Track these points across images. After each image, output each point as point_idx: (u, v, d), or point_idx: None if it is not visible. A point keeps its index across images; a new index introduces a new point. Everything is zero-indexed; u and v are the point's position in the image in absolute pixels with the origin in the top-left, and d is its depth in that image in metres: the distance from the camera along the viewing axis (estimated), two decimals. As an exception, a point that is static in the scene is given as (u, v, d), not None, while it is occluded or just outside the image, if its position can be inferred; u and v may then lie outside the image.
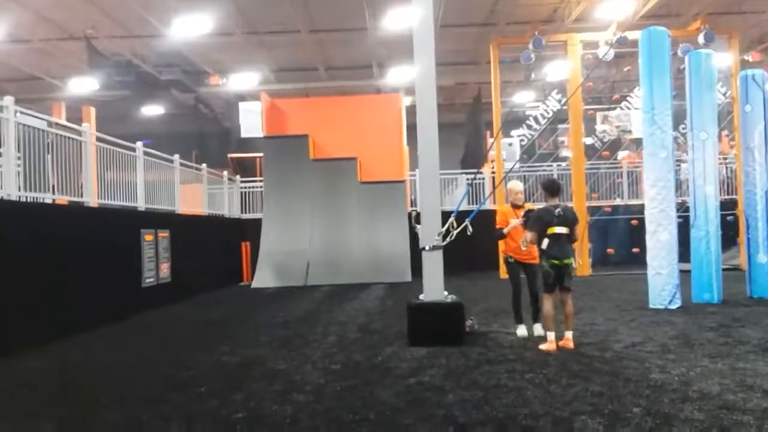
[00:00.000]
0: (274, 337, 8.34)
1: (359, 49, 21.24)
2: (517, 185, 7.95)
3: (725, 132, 16.85)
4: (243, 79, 23.55)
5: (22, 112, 8.57)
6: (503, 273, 8.09)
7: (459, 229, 7.67)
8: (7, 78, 22.52)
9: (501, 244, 8.35)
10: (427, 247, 7.69)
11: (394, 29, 18.33)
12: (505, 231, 7.70)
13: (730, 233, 14.95)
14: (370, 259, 15.06)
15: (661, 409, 4.68)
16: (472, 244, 8.19)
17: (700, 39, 15.21)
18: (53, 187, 9.23)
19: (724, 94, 16.02)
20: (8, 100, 8.24)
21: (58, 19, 17.77)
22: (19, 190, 8.38)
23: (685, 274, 9.96)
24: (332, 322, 9.50)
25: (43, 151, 8.99)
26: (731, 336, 7.34)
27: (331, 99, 19.37)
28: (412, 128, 16.79)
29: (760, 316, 8.70)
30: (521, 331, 7.78)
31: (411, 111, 18.92)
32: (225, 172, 17.96)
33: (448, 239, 7.72)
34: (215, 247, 15.26)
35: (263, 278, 15.31)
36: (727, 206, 14.74)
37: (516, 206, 7.81)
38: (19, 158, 8.49)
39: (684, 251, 10.21)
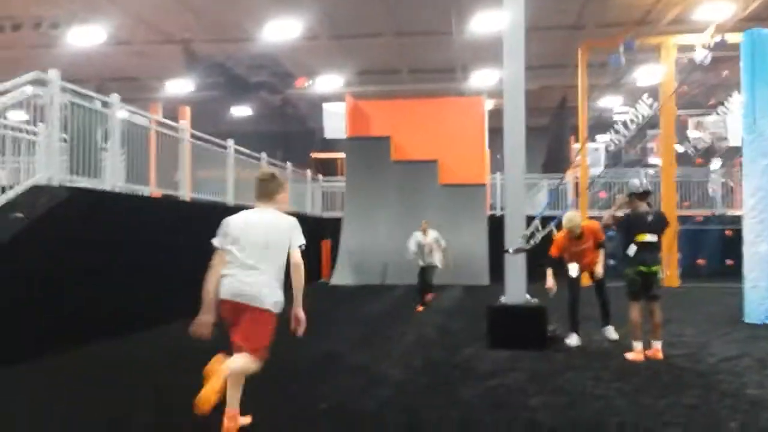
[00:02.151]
0: (355, 333, 8.48)
1: (443, 52, 21.23)
2: (575, 217, 7.63)
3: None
4: (328, 81, 24.01)
5: (128, 110, 9.12)
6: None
7: (544, 232, 7.58)
8: (109, 77, 23.87)
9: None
10: (510, 250, 7.63)
11: (480, 32, 18.24)
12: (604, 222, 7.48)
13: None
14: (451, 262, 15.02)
15: (761, 425, 4.46)
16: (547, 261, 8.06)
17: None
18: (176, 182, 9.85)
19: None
20: (115, 97, 8.78)
21: (156, 22, 18.71)
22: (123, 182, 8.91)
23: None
24: (410, 321, 9.56)
25: (144, 146, 9.53)
26: (837, 356, 6.88)
27: (414, 101, 19.44)
28: (493, 132, 16.70)
29: None
30: (572, 340, 7.56)
31: (493, 114, 18.96)
32: (308, 171, 18.37)
33: (532, 242, 7.64)
34: (297, 244, 15.63)
35: (342, 276, 15.57)
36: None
37: (577, 237, 7.58)
38: (123, 153, 9.03)
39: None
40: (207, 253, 4.41)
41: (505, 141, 7.98)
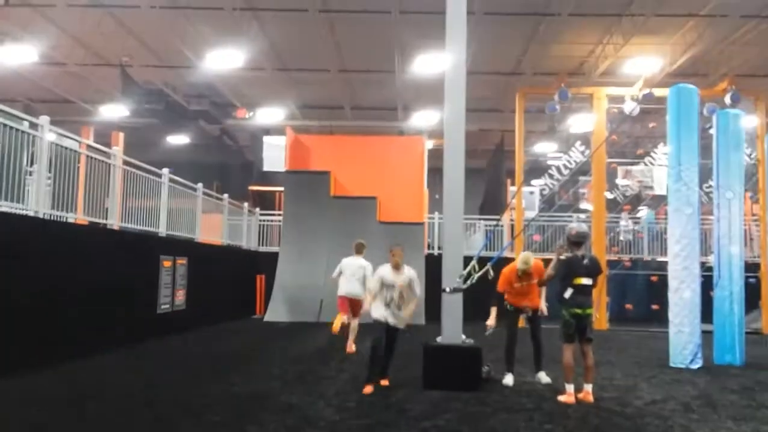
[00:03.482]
0: (287, 371, 8.25)
1: (386, 91, 21.54)
2: (529, 259, 7.70)
3: (749, 194, 16.72)
4: (269, 114, 23.89)
5: (56, 132, 8.74)
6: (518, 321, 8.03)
7: (481, 273, 7.64)
8: (39, 99, 23.04)
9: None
10: (447, 289, 7.64)
11: (423, 73, 18.60)
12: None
13: (750, 296, 14.68)
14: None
15: None
16: (487, 290, 8.13)
17: (727, 99, 15.26)
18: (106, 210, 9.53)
19: (749, 156, 15.96)
20: (44, 119, 8.42)
21: (95, 44, 18.23)
22: (48, 209, 8.48)
23: (706, 334, 9.75)
24: (345, 359, 9.39)
25: (73, 171, 9.13)
26: (755, 399, 7.14)
27: (355, 138, 19.56)
28: (433, 171, 16.90)
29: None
30: (508, 379, 7.63)
31: (432, 154, 19.24)
32: (245, 204, 18.07)
33: (468, 282, 7.68)
34: (231, 278, 15.26)
35: (277, 312, 15.24)
36: (748, 269, 14.54)
37: (524, 274, 7.72)
38: (49, 178, 8.62)
39: (704, 312, 10.01)
40: (133, 281, 4.18)
41: (445, 181, 8.06)
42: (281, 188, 18.92)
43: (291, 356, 9.61)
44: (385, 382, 7.24)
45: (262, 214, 19.10)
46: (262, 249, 18.32)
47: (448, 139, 8.13)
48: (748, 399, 7.15)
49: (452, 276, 7.71)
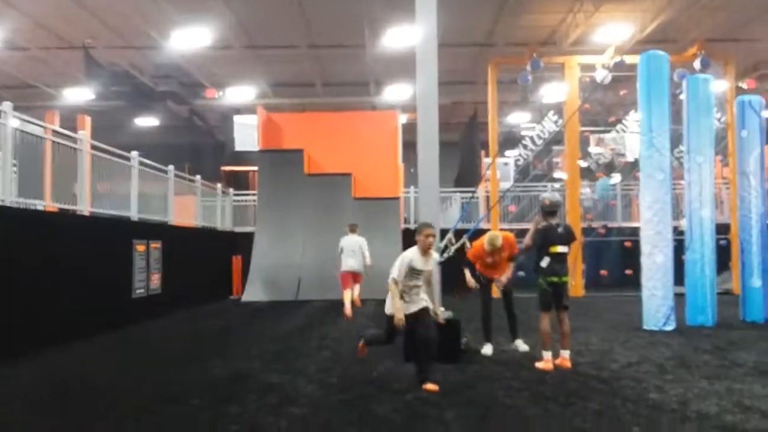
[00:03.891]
0: (266, 350, 8.23)
1: (357, 66, 21.33)
2: (496, 239, 7.61)
3: (719, 157, 16.97)
4: (239, 93, 23.54)
5: (19, 118, 8.51)
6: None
7: (457, 246, 7.66)
8: (1, 85, 22.42)
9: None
10: (424, 263, 7.64)
11: (394, 47, 18.43)
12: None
13: (721, 257, 14.99)
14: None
15: (661, 430, 4.64)
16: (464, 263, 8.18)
17: (696, 65, 15.40)
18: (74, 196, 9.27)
19: (719, 120, 16.16)
20: (7, 105, 8.18)
21: (57, 27, 17.73)
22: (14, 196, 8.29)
23: (678, 297, 9.94)
24: (325, 336, 9.40)
25: (39, 157, 8.93)
26: (727, 358, 7.31)
27: (327, 114, 19.38)
28: (407, 146, 16.84)
29: (754, 339, 8.68)
30: (487, 349, 7.72)
31: (407, 129, 19.16)
32: (219, 185, 17.89)
33: (445, 255, 7.71)
34: (207, 260, 15.15)
35: (254, 292, 15.20)
36: (719, 230, 14.82)
37: (494, 250, 7.69)
38: (15, 165, 8.41)
39: (677, 275, 10.20)
40: (106, 267, 4.11)
41: (419, 155, 8.04)
42: (254, 168, 18.76)
43: (270, 335, 9.60)
44: (432, 387, 5.85)
45: (236, 195, 18.94)
46: (238, 229, 18.19)
47: (422, 112, 8.12)
48: (721, 358, 7.32)
49: (429, 249, 7.70)
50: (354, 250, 11.69)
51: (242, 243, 16.63)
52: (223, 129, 26.03)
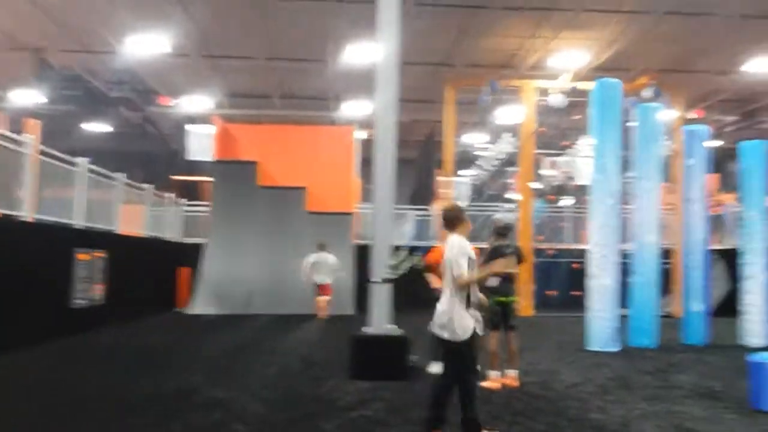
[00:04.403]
0: (213, 365, 8.05)
1: (316, 81, 21.29)
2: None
3: (665, 184, 17.53)
4: (194, 102, 23.21)
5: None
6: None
7: (410, 263, 7.68)
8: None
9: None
10: (376, 279, 7.63)
11: (354, 63, 18.49)
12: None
13: (664, 281, 15.42)
14: (314, 289, 14.85)
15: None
16: (417, 280, 8.19)
17: (646, 93, 15.91)
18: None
19: (667, 147, 16.69)
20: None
21: (8, 28, 17.20)
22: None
23: (622, 318, 10.16)
24: (274, 352, 9.25)
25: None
26: (667, 380, 7.49)
27: (284, 127, 19.24)
28: (366, 162, 16.85)
29: (693, 362, 8.93)
30: (435, 368, 7.64)
31: (366, 145, 19.14)
32: (170, 195, 17.51)
33: (398, 272, 7.71)
34: (153, 270, 14.76)
35: (203, 304, 14.88)
36: (663, 255, 15.26)
37: None
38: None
39: (621, 297, 10.43)
40: (46, 275, 3.96)
41: (375, 170, 8.04)
42: (206, 178, 18.45)
43: (218, 350, 9.39)
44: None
45: (187, 205, 18.57)
46: (187, 240, 17.81)
47: (379, 128, 8.12)
48: (661, 380, 7.50)
49: (381, 266, 7.70)
50: (324, 266, 13.58)
51: (191, 254, 16.27)
52: (177, 137, 25.56)
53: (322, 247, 13.69)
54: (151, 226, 15.62)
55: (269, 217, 15.73)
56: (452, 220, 4.92)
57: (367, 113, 22.03)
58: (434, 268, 7.88)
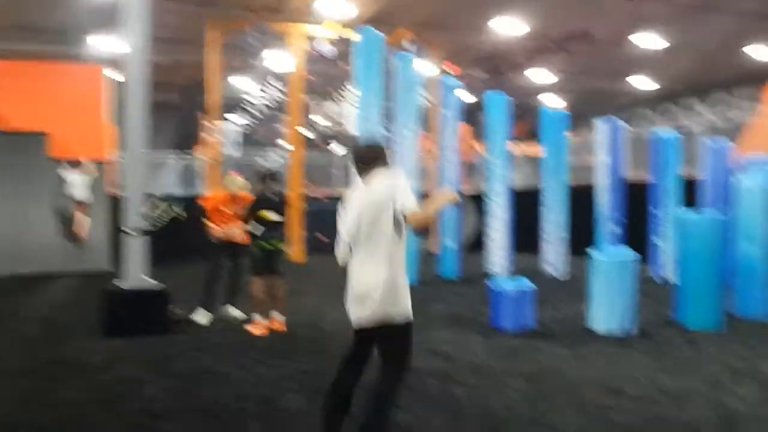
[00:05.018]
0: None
1: (60, 12, 18.79)
2: (236, 180, 7.61)
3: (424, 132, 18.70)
4: None
5: None
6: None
7: (174, 214, 7.20)
8: None
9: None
10: (129, 231, 7.00)
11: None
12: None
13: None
14: (62, 245, 13.38)
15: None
16: (179, 231, 7.72)
17: (407, 46, 16.59)
18: None
19: (425, 98, 17.73)
20: None
21: None
22: None
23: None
24: (8, 317, 8.09)
25: None
26: (426, 312, 8.01)
27: (19, 64, 16.68)
28: (123, 107, 15.37)
29: (447, 293, 9.72)
30: (203, 318, 7.40)
31: (121, 88, 17.39)
32: None
33: (158, 224, 7.17)
34: None
35: None
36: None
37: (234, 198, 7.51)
38: None
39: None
40: None
41: (126, 114, 7.33)
42: None
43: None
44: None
45: None
46: None
47: (130, 68, 7.41)
48: (421, 313, 7.96)
49: (135, 216, 7.07)
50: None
51: None
52: None
53: (75, 165, 13.37)
54: None
55: (4, 165, 13.73)
56: (378, 154, 3.68)
57: (123, 53, 20.11)
58: (214, 215, 7.47)
